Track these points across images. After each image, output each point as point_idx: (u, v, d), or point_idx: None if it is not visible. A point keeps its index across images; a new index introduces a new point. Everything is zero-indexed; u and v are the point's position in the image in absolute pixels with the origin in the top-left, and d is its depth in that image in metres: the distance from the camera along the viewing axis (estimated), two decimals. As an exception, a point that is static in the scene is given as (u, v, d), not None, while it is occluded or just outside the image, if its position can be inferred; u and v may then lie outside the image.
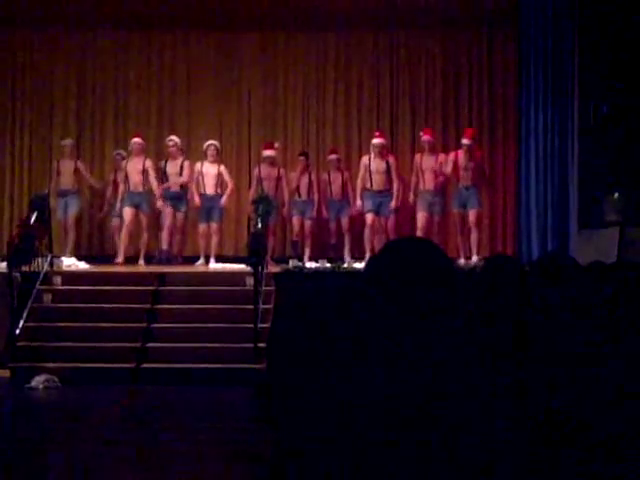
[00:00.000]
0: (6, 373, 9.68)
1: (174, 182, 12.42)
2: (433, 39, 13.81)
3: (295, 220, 12.68)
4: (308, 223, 12.66)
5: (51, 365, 9.59)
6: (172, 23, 13.80)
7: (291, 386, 1.56)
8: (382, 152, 12.42)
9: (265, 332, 9.25)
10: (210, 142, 12.62)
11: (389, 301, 1.75)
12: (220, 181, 12.49)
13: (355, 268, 11.65)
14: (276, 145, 12.84)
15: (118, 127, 13.77)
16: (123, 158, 12.82)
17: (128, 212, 12.38)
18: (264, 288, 10.33)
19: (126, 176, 12.46)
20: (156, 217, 12.85)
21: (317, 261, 12.13)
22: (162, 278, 10.93)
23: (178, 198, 12.46)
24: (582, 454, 2.04)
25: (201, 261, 12.37)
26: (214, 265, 12.17)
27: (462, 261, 12.05)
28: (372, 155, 12.44)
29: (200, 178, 12.41)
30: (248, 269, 10.38)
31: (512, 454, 1.78)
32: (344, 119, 13.91)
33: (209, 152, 12.48)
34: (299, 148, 13.59)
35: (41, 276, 10.61)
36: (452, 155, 12.38)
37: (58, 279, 10.85)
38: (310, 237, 12.69)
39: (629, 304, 3.09)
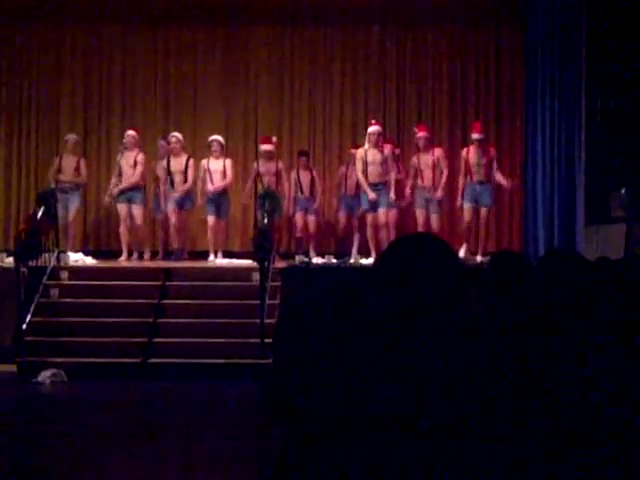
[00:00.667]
0: (13, 368, 9.71)
1: (180, 189, 12.26)
2: (439, 33, 13.78)
3: (298, 217, 12.60)
4: (312, 219, 12.54)
5: (58, 360, 9.61)
6: (179, 18, 13.79)
7: (296, 384, 1.56)
8: (378, 141, 11.97)
9: (271, 327, 9.26)
10: (213, 137, 12.49)
11: (395, 298, 1.75)
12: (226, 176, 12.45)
13: (362, 264, 11.64)
14: (274, 139, 12.75)
15: (125, 123, 13.75)
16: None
17: (123, 208, 12.30)
18: (270, 283, 10.33)
19: (119, 171, 12.31)
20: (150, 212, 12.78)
21: (323, 256, 12.11)
22: (168, 273, 10.95)
23: (183, 198, 12.37)
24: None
25: (212, 257, 12.30)
26: (220, 260, 12.17)
27: (467, 257, 11.90)
28: (367, 146, 11.94)
29: (207, 175, 12.38)
30: (254, 264, 10.38)
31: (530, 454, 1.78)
32: (351, 114, 13.90)
33: (212, 147, 12.41)
34: (305, 144, 13.58)
35: (48, 271, 10.63)
36: (464, 151, 12.21)
37: (65, 274, 10.87)
38: (314, 233, 12.58)
39: (635, 300, 3.09)
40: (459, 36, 13.74)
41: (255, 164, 12.64)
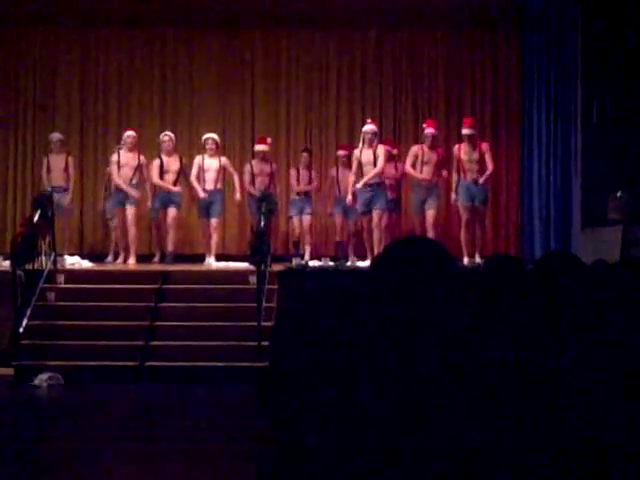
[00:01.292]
0: (10, 371, 9.69)
1: (170, 188, 12.27)
2: (436, 37, 13.82)
3: (294, 219, 12.57)
4: (307, 219, 12.50)
5: (55, 363, 9.60)
6: (176, 20, 13.82)
7: (292, 390, 1.56)
8: (372, 141, 11.76)
9: (268, 330, 9.25)
10: (208, 135, 12.41)
11: (391, 303, 1.75)
12: (220, 176, 12.37)
13: (358, 267, 11.63)
14: (269, 140, 12.72)
15: (121, 123, 13.74)
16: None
17: (119, 212, 12.26)
18: (267, 286, 10.33)
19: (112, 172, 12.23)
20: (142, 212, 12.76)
21: (320, 259, 12.11)
22: (165, 276, 10.94)
23: (170, 196, 12.34)
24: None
25: (208, 260, 12.28)
26: (217, 263, 12.15)
27: (466, 260, 11.87)
28: (361, 146, 11.77)
29: (201, 173, 12.32)
30: (251, 267, 10.39)
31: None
32: (347, 116, 13.92)
33: (207, 145, 12.33)
34: (302, 144, 13.60)
35: (45, 274, 10.62)
36: (455, 148, 12.05)
37: (61, 277, 10.86)
38: (310, 234, 12.53)
39: (632, 303, 3.09)
40: (456, 41, 13.76)
41: (248, 165, 12.63)
